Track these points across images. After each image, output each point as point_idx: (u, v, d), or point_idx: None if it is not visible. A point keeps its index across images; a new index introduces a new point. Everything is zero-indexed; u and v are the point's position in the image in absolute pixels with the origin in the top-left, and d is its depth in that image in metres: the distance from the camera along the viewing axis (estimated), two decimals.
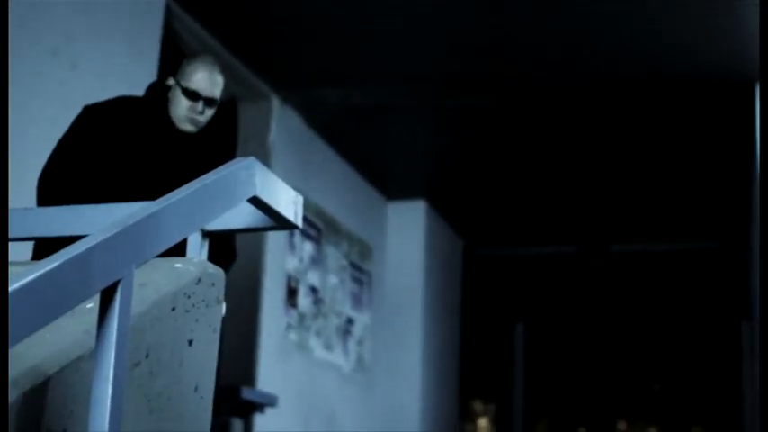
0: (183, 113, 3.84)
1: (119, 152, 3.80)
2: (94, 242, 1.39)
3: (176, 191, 1.67)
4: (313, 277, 8.40)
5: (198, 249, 1.98)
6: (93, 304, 1.63)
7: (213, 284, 1.89)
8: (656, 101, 7.80)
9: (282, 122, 7.88)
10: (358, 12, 6.59)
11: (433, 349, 10.37)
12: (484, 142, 8.87)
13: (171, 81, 3.92)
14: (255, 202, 1.87)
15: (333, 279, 8.81)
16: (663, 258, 12.01)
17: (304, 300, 8.20)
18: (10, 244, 2.06)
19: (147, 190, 3.62)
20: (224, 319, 2.02)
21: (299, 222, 1.99)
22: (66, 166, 3.81)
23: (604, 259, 12.04)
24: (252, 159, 1.85)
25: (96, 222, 1.96)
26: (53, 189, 3.77)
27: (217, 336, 1.90)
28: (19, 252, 2.65)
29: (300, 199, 1.99)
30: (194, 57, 4.05)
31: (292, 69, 7.43)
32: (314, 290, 8.41)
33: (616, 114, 8.07)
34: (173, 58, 6.67)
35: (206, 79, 3.86)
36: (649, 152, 8.89)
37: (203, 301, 1.85)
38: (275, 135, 7.78)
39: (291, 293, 7.97)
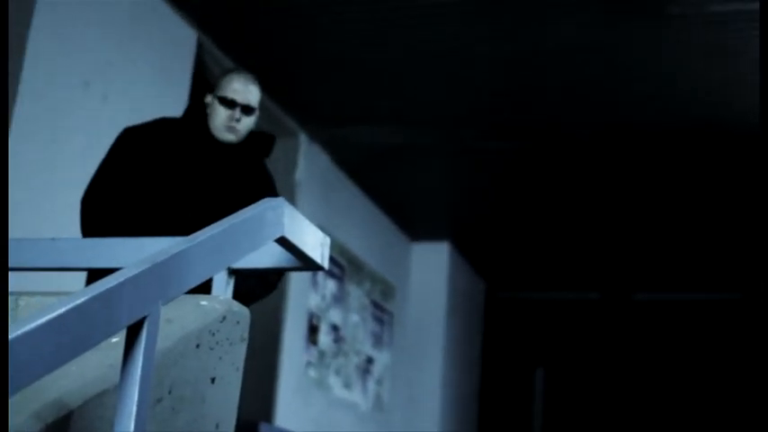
0: (222, 122, 3.89)
1: (161, 170, 3.83)
2: (123, 278, 1.40)
3: (205, 229, 1.68)
4: (335, 315, 8.40)
5: (224, 287, 1.99)
6: (118, 339, 1.64)
7: (238, 323, 1.90)
8: (682, 149, 7.79)
9: (309, 159, 7.91)
10: (387, 52, 6.63)
11: (452, 391, 10.33)
12: (509, 185, 8.87)
13: (209, 98, 3.99)
14: (283, 242, 1.88)
15: (354, 317, 8.80)
16: (685, 308, 11.94)
17: (325, 337, 8.20)
18: (56, 274, 2.07)
19: (191, 207, 3.71)
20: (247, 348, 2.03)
21: (326, 264, 2.00)
22: (108, 187, 3.83)
23: (627, 307, 11.99)
24: (281, 200, 1.86)
25: (127, 256, 1.97)
26: (97, 210, 3.79)
27: (239, 374, 1.90)
28: (73, 282, 2.66)
29: (328, 241, 2.00)
30: (229, 70, 4.15)
31: (320, 107, 7.47)
32: (335, 328, 8.40)
33: (641, 162, 8.07)
34: (203, 91, 6.73)
35: (241, 87, 3.93)
36: (674, 200, 8.87)
37: (227, 339, 1.86)
38: (301, 172, 7.80)
39: (312, 331, 7.97)
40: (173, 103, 6.19)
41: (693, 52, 6.35)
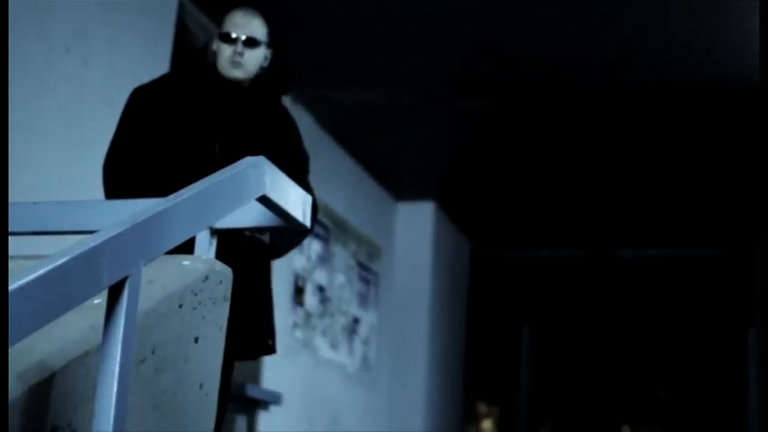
0: (226, 58, 3.81)
1: (176, 120, 3.77)
2: (103, 239, 1.39)
3: (186, 188, 1.68)
4: (320, 276, 8.41)
5: (206, 247, 1.99)
6: (99, 300, 1.64)
7: (221, 282, 1.90)
8: (666, 107, 7.79)
9: None
10: (370, 13, 6.60)
11: (438, 350, 10.37)
12: (493, 145, 8.87)
13: (214, 43, 3.92)
14: (264, 201, 1.87)
15: (340, 278, 8.82)
16: (670, 264, 11.99)
17: (311, 298, 8.21)
18: (38, 238, 2.07)
19: (213, 151, 3.66)
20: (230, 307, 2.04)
21: (308, 222, 2.00)
22: (126, 147, 3.78)
23: (611, 264, 12.03)
24: (261, 158, 1.85)
25: (110, 217, 1.96)
26: (118, 172, 3.77)
27: (223, 334, 1.91)
28: (57, 247, 2.64)
29: (309, 199, 2.00)
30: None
31: (303, 69, 7.44)
32: (321, 289, 8.42)
33: (626, 120, 8.07)
34: (185, 54, 6.69)
35: (241, 20, 3.87)
36: (658, 158, 8.88)
37: (210, 298, 1.86)
38: None
39: (298, 292, 7.98)
40: (155, 67, 6.15)
41: (675, 6, 6.34)
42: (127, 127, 3.82)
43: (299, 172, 3.77)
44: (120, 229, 1.44)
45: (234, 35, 3.82)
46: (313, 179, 7.98)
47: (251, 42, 3.84)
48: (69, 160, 5.32)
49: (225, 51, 3.81)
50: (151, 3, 6.15)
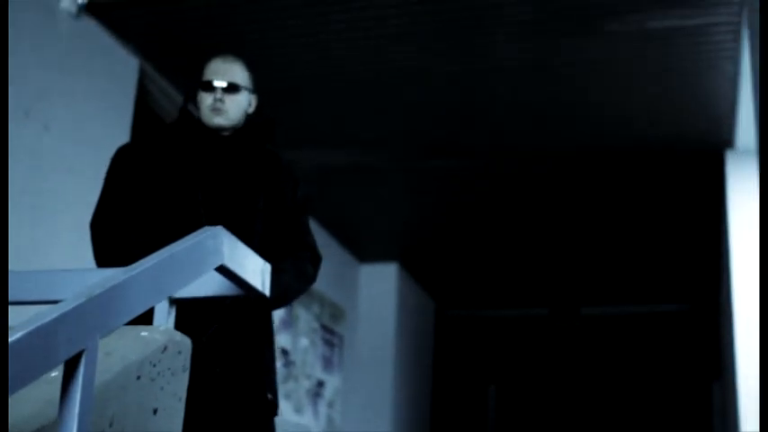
0: (207, 106, 3.70)
1: (161, 175, 3.64)
2: (59, 312, 1.39)
3: (144, 259, 1.67)
4: (284, 340, 8.37)
5: (165, 317, 1.98)
6: (56, 373, 1.63)
7: (180, 352, 1.89)
8: (630, 167, 7.86)
9: None
10: (332, 75, 6.63)
11: (404, 412, 10.32)
12: (456, 205, 8.90)
13: (198, 95, 3.81)
14: (223, 270, 1.87)
15: (304, 341, 8.77)
16: (634, 321, 12.03)
17: None
18: None
19: (201, 204, 3.54)
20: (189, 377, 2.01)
21: (267, 291, 1.99)
22: (111, 207, 3.70)
23: (576, 322, 12.05)
24: (219, 228, 1.85)
25: (69, 288, 1.94)
26: (105, 232, 3.68)
27: (182, 404, 1.89)
28: (17, 317, 2.61)
29: (268, 267, 2.00)
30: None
31: None
32: (285, 352, 8.37)
33: (588, 179, 8.12)
34: (146, 119, 6.70)
35: (218, 66, 3.78)
36: (621, 216, 8.94)
37: (169, 369, 1.84)
38: None
39: None
40: (116, 132, 6.15)
41: (633, 69, 6.41)
42: (111, 185, 3.74)
43: (295, 217, 3.74)
44: (76, 303, 1.43)
45: (214, 83, 3.74)
46: None
47: (231, 88, 3.76)
48: (27, 227, 5.28)
49: (206, 100, 3.72)
50: (112, 67, 6.15)
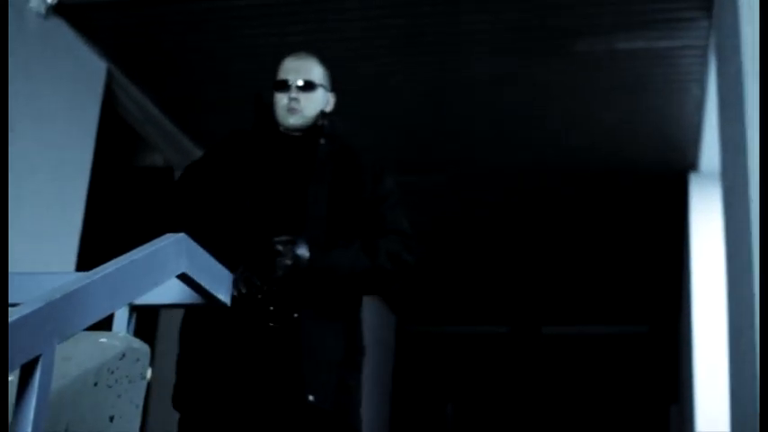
0: (282, 107, 3.53)
1: (226, 174, 3.48)
2: (16, 317, 1.37)
3: (104, 265, 1.65)
4: None
5: (125, 324, 1.95)
6: (13, 377, 1.60)
7: (138, 360, 1.86)
8: (593, 187, 7.89)
9: None
10: None
11: (364, 428, 10.29)
12: (418, 220, 8.88)
13: (274, 96, 3.64)
14: (184, 278, 1.85)
15: None
16: (594, 341, 12.07)
17: None
18: None
19: (245, 207, 3.35)
20: (151, 388, 1.99)
21: (228, 300, 1.98)
22: (181, 188, 3.55)
23: (536, 341, 12.07)
24: (182, 235, 1.83)
25: (31, 291, 1.91)
26: (167, 215, 3.52)
27: (139, 412, 1.87)
28: None
29: (230, 277, 1.98)
30: None
31: None
32: None
33: (553, 199, 8.15)
34: (112, 122, 6.66)
35: (292, 63, 3.60)
36: (582, 237, 8.97)
37: (127, 376, 1.82)
38: None
39: None
40: (81, 134, 6.11)
41: (600, 89, 6.44)
42: (189, 171, 3.61)
43: (377, 208, 3.55)
44: (34, 307, 1.41)
45: (284, 81, 3.57)
46: None
47: (306, 87, 3.56)
48: None
49: (280, 100, 3.55)
50: (80, 69, 6.11)
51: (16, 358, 1.36)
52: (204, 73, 6.54)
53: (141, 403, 1.87)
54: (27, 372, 1.40)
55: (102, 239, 7.00)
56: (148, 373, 1.91)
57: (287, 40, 6.07)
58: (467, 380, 12.85)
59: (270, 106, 3.62)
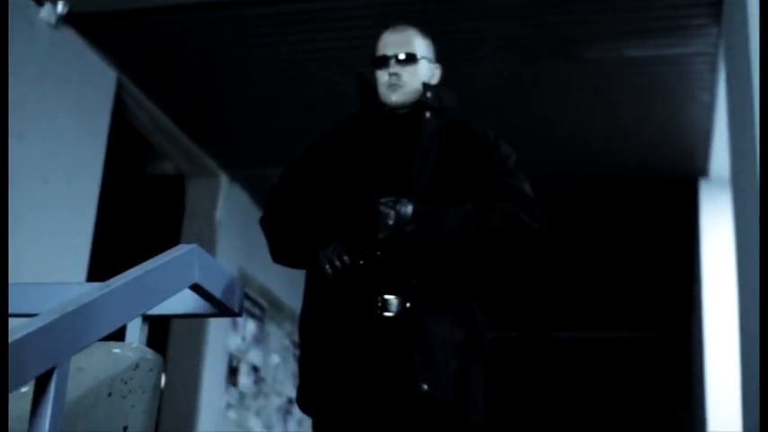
0: (383, 84, 3.33)
1: (335, 160, 3.35)
2: (31, 329, 1.38)
3: (118, 276, 1.66)
4: (255, 356, 8.34)
5: (137, 335, 1.97)
6: (27, 388, 1.61)
7: (151, 370, 1.88)
8: (604, 193, 7.89)
9: (230, 200, 7.87)
10: (305, 93, 6.63)
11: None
12: None
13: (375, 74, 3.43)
14: (196, 288, 1.86)
15: (275, 358, 8.75)
16: (605, 346, 12.06)
17: (245, 379, 8.13)
18: None
19: (375, 182, 3.18)
20: (163, 396, 2.00)
21: (240, 310, 1.99)
22: (292, 177, 3.47)
23: (546, 346, 12.07)
24: (194, 246, 1.85)
25: (47, 301, 1.93)
26: (277, 201, 3.42)
27: (152, 422, 1.88)
28: None
29: (242, 287, 1.99)
30: None
31: (240, 148, 7.45)
32: (255, 369, 8.34)
33: (561, 205, 8.15)
34: (122, 131, 6.68)
35: (389, 38, 3.38)
36: (593, 243, 8.97)
37: (140, 387, 1.83)
38: (222, 212, 7.76)
39: (232, 372, 7.90)
40: (91, 142, 6.13)
41: (610, 96, 6.44)
42: (299, 160, 3.53)
43: (491, 178, 3.32)
44: (49, 319, 1.42)
45: (384, 56, 3.35)
46: (249, 258, 7.93)
47: (408, 59, 3.34)
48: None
49: (381, 77, 3.34)
50: (89, 78, 6.13)
51: (31, 370, 1.37)
52: (215, 82, 6.56)
53: (155, 413, 1.89)
54: (42, 384, 1.41)
55: (113, 247, 7.03)
56: (162, 383, 1.92)
57: (298, 48, 6.10)
58: None
59: (373, 85, 3.42)
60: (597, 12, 5.57)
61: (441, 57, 3.55)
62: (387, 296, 2.93)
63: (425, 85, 3.36)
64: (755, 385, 3.82)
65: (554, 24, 5.72)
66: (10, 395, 1.37)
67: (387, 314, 2.91)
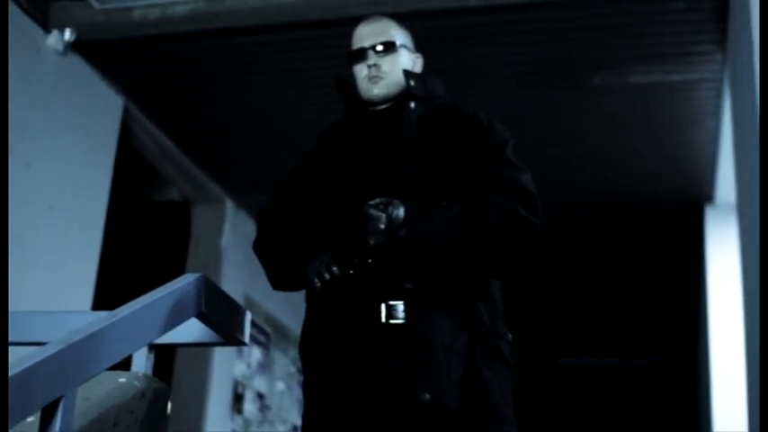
0: (361, 79, 3.15)
1: (325, 165, 3.17)
2: (38, 359, 1.38)
3: (123, 306, 1.66)
4: (260, 383, 8.32)
5: (143, 363, 1.96)
6: (33, 418, 1.61)
7: (157, 399, 1.87)
8: (609, 220, 7.88)
9: (235, 226, 7.87)
10: (309, 119, 6.64)
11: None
12: None
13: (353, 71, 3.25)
14: (203, 318, 1.86)
15: (280, 385, 8.73)
16: (611, 372, 12.02)
17: (250, 406, 8.11)
18: None
19: (361, 183, 3.00)
20: (168, 423, 1.99)
21: (246, 338, 1.99)
22: (286, 191, 3.28)
23: (553, 372, 12.03)
24: (200, 275, 1.84)
25: (51, 330, 1.92)
26: (270, 217, 3.27)
27: None
28: None
29: (248, 316, 1.99)
30: None
31: (246, 174, 7.46)
32: (260, 396, 8.33)
33: (567, 231, 8.14)
34: (129, 158, 6.69)
35: (364, 30, 3.19)
36: (599, 269, 8.95)
37: (146, 416, 1.83)
38: (228, 238, 7.76)
39: (237, 399, 7.88)
40: (98, 170, 6.14)
41: (615, 123, 6.44)
42: (290, 175, 3.35)
43: (486, 166, 3.10)
44: (55, 349, 1.42)
45: (360, 49, 3.16)
46: (254, 284, 7.91)
47: (386, 49, 3.14)
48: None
49: (360, 72, 3.16)
50: (96, 106, 6.15)
51: (38, 400, 1.37)
52: (220, 108, 6.57)
53: None
54: (48, 413, 1.41)
55: (118, 274, 7.02)
56: (168, 412, 1.92)
57: (302, 75, 6.11)
58: None
59: (353, 86, 3.23)
60: (603, 39, 5.58)
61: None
62: (381, 304, 2.78)
63: (407, 73, 3.15)
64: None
65: (560, 52, 5.73)
66: (16, 426, 1.36)
67: (382, 322, 2.77)
